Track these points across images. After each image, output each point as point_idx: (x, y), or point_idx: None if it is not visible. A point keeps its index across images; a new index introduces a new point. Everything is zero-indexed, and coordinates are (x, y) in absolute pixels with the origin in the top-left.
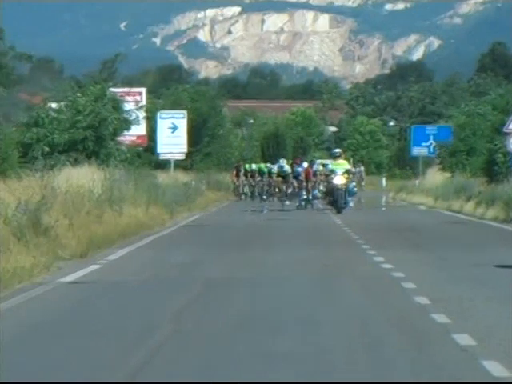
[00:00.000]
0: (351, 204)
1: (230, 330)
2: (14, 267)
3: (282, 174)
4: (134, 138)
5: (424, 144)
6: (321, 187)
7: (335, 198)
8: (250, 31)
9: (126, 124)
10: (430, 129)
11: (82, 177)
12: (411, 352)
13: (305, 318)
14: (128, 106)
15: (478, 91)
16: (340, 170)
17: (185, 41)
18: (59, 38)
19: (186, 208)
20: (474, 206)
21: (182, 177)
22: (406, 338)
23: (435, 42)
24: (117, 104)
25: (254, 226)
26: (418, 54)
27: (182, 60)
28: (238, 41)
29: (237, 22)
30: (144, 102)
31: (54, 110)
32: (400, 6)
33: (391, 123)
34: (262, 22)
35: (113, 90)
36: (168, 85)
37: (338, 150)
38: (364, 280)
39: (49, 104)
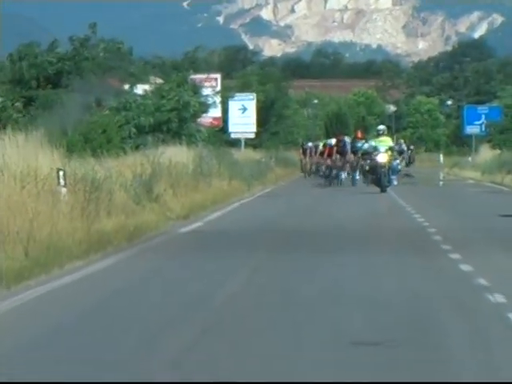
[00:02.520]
0: (395, 182)
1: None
2: (140, 222)
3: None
4: (211, 120)
5: (476, 123)
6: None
7: (378, 177)
8: (313, 9)
9: (205, 107)
10: (482, 108)
11: (177, 154)
12: None
13: None
14: (206, 91)
15: None
16: (383, 148)
17: (248, 19)
18: (121, 17)
19: (260, 182)
20: (511, 178)
21: (253, 154)
22: None
23: (498, 19)
24: (196, 89)
25: (317, 195)
26: (480, 31)
27: (245, 39)
28: (302, 19)
29: (300, 0)
30: (219, 87)
31: (141, 96)
32: None
33: (449, 102)
34: (325, 0)
35: (193, 76)
36: (234, 65)
37: (381, 127)
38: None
39: (134, 88)
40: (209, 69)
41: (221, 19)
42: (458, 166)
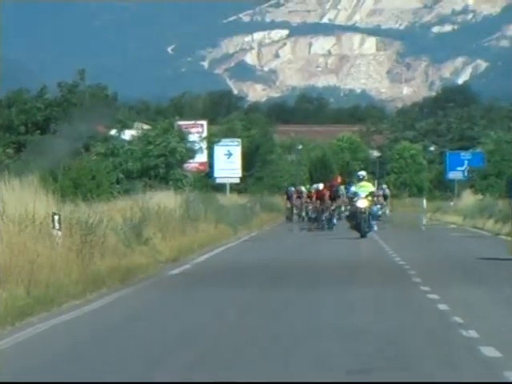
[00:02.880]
0: (375, 227)
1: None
2: (132, 264)
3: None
4: (197, 165)
5: (459, 168)
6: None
7: (358, 222)
8: (297, 54)
9: (191, 153)
10: (464, 154)
11: (165, 199)
12: None
13: None
14: (192, 137)
15: None
16: (363, 193)
17: (232, 64)
18: (106, 61)
19: (245, 226)
20: (493, 223)
21: (238, 199)
22: None
23: (482, 65)
24: (183, 136)
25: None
26: (464, 76)
27: (229, 83)
28: (286, 64)
29: (284, 45)
30: (205, 133)
31: (128, 142)
32: (447, 28)
33: (431, 148)
34: (310, 45)
35: (179, 122)
36: (218, 110)
37: (362, 173)
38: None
39: (121, 134)
40: (193, 114)
41: (205, 64)
42: (440, 211)
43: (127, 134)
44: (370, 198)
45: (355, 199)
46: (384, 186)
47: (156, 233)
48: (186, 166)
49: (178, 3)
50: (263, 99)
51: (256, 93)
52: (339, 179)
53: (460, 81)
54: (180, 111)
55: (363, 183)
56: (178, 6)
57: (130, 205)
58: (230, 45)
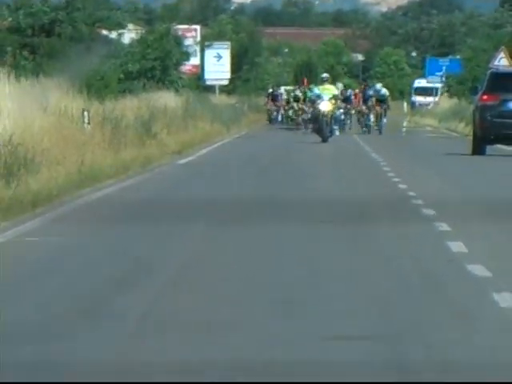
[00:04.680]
0: (337, 133)
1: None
2: (143, 156)
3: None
4: (190, 68)
5: (438, 74)
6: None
7: (320, 126)
8: None
9: (186, 56)
10: (443, 60)
11: (167, 99)
12: None
13: None
14: (187, 41)
15: (495, 24)
16: (327, 96)
17: None
18: None
19: (236, 125)
20: (463, 126)
21: (227, 100)
22: None
23: None
24: (179, 40)
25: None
26: None
27: None
28: None
29: None
30: (199, 38)
31: (128, 45)
32: None
33: (413, 53)
34: None
35: (176, 27)
36: (206, 12)
37: (325, 75)
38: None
39: (121, 36)
40: (181, 16)
41: None
42: (419, 114)
43: (126, 37)
44: (333, 102)
45: (318, 102)
46: (378, 87)
47: (163, 129)
48: (180, 68)
49: None
50: (248, 0)
51: None
52: (305, 81)
53: None
54: (168, 13)
55: (326, 85)
56: None
57: (139, 104)
58: None
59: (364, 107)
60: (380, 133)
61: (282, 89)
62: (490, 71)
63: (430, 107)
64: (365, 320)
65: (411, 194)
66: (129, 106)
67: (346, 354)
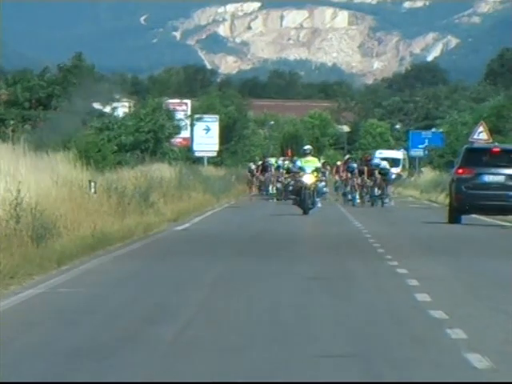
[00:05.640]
0: (319, 205)
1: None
2: (144, 222)
3: (381, 172)
4: (181, 140)
5: (420, 146)
6: (279, 185)
7: (303, 198)
8: (269, 27)
9: (178, 129)
10: (426, 134)
11: (162, 170)
12: None
13: None
14: (178, 115)
15: (478, 97)
16: (309, 168)
17: (204, 36)
18: (80, 31)
19: (225, 196)
20: (444, 197)
21: (215, 171)
22: None
23: (453, 41)
24: (171, 115)
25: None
26: (435, 53)
27: (201, 55)
28: (258, 36)
29: (256, 17)
30: (189, 112)
31: (121, 118)
32: (419, 3)
33: (397, 126)
34: (282, 17)
35: (167, 101)
36: (193, 84)
37: (307, 147)
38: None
39: (115, 110)
40: (169, 88)
41: (177, 35)
42: (402, 186)
43: (120, 111)
44: (316, 174)
45: (301, 174)
46: (378, 160)
47: (160, 198)
48: (172, 140)
49: None
50: (234, 71)
51: (227, 65)
52: (290, 153)
53: (430, 57)
54: (156, 86)
55: (309, 158)
56: None
57: (136, 175)
58: (202, 16)
59: (368, 180)
60: (382, 205)
61: (273, 160)
62: (465, 147)
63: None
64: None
65: (388, 257)
66: (127, 177)
67: (328, 369)
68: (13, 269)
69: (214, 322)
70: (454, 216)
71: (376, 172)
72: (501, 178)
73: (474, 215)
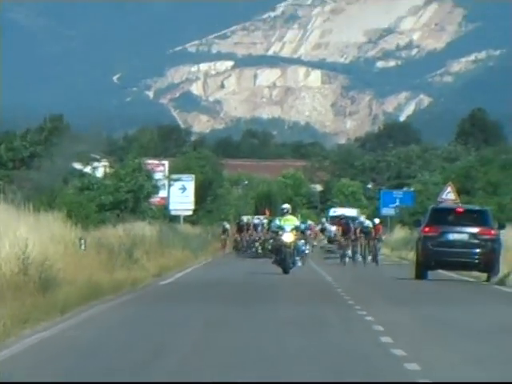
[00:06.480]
0: (299, 263)
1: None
2: (131, 277)
3: (364, 231)
4: (159, 199)
5: (391, 205)
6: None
7: (283, 257)
8: (242, 85)
9: (156, 189)
10: (397, 193)
11: (141, 228)
12: None
13: None
14: (157, 175)
15: (450, 157)
16: (289, 227)
17: (178, 94)
18: (52, 91)
19: (203, 253)
20: (413, 254)
21: (192, 229)
22: None
23: (425, 100)
24: (149, 175)
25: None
26: (408, 111)
27: (174, 114)
28: (231, 95)
29: (230, 76)
30: (167, 172)
31: (101, 179)
32: (391, 63)
33: (369, 185)
34: (255, 76)
35: (146, 161)
36: (167, 143)
37: (286, 206)
38: None
39: (95, 171)
40: (143, 147)
41: (150, 93)
42: None
43: (100, 171)
44: (295, 232)
45: (280, 233)
46: (361, 219)
47: (143, 255)
48: (150, 200)
49: (124, 32)
50: (207, 130)
51: (201, 124)
52: (267, 212)
53: (403, 116)
54: (132, 146)
55: (288, 217)
56: (125, 35)
57: (119, 233)
58: (175, 75)
59: (344, 240)
60: (376, 264)
61: (246, 218)
62: (431, 206)
63: None
64: None
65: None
66: (110, 234)
67: None
68: (25, 315)
69: (208, 356)
70: (421, 271)
71: (357, 231)
72: (464, 236)
73: (440, 271)
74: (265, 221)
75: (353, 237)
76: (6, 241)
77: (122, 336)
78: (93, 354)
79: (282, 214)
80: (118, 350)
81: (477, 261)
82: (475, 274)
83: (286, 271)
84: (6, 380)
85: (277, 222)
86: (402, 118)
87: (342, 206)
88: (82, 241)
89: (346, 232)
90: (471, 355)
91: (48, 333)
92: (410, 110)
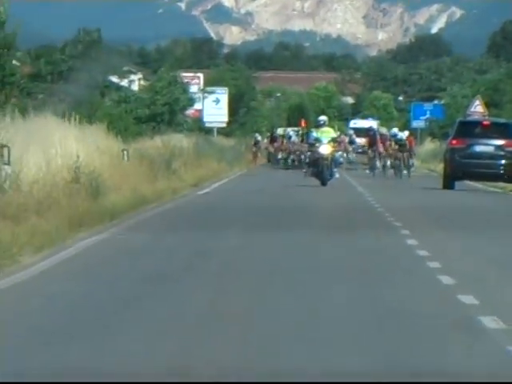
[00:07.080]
0: (337, 175)
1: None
2: (171, 187)
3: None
4: (193, 111)
5: (422, 118)
6: (292, 156)
7: (320, 169)
8: None
9: (192, 101)
10: (427, 105)
11: (178, 140)
12: None
13: None
14: (192, 88)
15: (481, 70)
16: (325, 139)
17: (209, 6)
18: (85, 3)
19: (237, 165)
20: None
21: (226, 141)
22: None
23: (457, 12)
24: (185, 88)
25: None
26: (439, 24)
27: (206, 25)
28: (262, 7)
29: None
30: (202, 85)
31: (138, 91)
32: None
33: (400, 98)
34: None
35: (182, 74)
36: (200, 55)
37: (322, 118)
38: None
39: (132, 84)
40: (175, 59)
41: (182, 5)
42: None
43: (136, 84)
44: (332, 144)
45: (317, 145)
46: (394, 131)
47: (181, 166)
48: (185, 112)
49: None
50: (239, 42)
51: (232, 36)
52: (303, 123)
53: (435, 28)
54: (165, 58)
55: (325, 128)
56: None
57: (156, 144)
58: None
59: (371, 152)
60: (408, 176)
61: (281, 130)
62: (458, 120)
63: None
64: None
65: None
66: (148, 146)
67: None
68: (80, 220)
69: (251, 258)
70: (448, 182)
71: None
72: (490, 149)
73: (465, 181)
74: (300, 132)
75: (381, 149)
76: (57, 151)
77: (172, 238)
78: (144, 255)
79: (319, 125)
80: (165, 251)
81: (502, 171)
82: (501, 184)
83: (323, 183)
84: None
85: (313, 133)
86: (434, 31)
87: (373, 118)
88: (125, 152)
89: (372, 144)
90: None
91: (101, 236)
92: (441, 22)
